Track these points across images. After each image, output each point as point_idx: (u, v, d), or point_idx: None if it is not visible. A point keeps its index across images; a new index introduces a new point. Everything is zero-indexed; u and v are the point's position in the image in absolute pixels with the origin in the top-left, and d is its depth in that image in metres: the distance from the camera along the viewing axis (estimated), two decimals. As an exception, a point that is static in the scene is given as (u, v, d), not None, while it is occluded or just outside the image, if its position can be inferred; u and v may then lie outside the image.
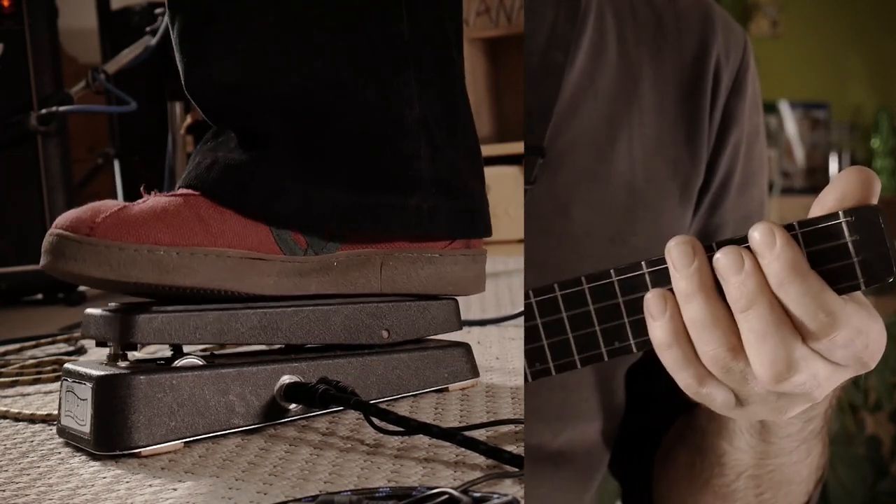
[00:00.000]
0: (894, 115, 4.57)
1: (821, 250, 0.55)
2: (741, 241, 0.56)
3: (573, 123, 0.83)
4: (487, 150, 2.56)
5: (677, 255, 0.57)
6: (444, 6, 0.96)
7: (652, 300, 0.57)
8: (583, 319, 0.60)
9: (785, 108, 4.49)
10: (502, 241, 2.21)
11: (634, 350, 0.60)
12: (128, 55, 2.06)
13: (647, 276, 0.58)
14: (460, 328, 0.99)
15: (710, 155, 0.88)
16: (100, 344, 0.86)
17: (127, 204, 0.86)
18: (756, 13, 4.31)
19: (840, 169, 4.56)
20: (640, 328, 0.59)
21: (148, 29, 2.08)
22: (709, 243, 0.57)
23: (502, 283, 1.70)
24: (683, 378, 0.58)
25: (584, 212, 0.82)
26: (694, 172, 0.87)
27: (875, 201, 0.55)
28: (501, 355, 1.14)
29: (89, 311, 0.86)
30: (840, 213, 0.54)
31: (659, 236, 0.85)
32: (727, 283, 0.56)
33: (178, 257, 0.84)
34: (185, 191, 0.89)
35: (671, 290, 0.58)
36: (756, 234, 0.55)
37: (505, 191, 2.32)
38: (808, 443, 0.76)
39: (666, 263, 0.57)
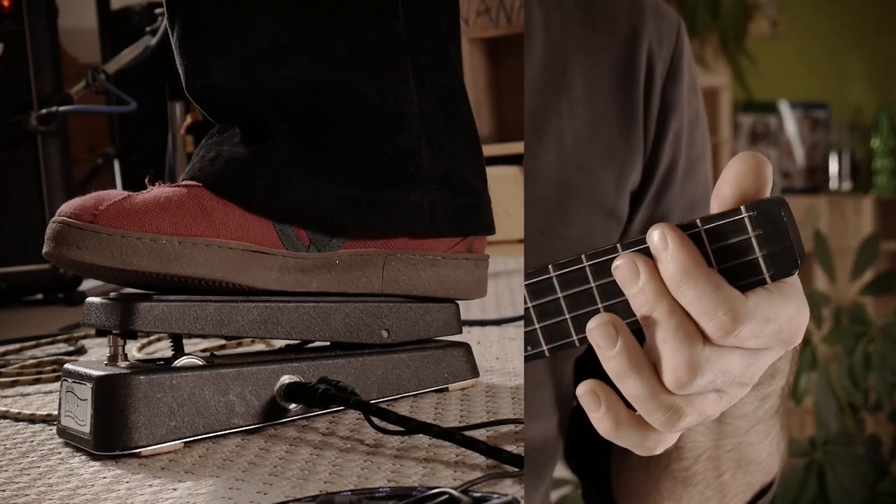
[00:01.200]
0: (894, 115, 4.57)
1: (725, 247, 0.54)
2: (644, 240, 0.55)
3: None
4: (487, 150, 2.56)
5: (599, 336, 0.56)
6: (440, 3, 0.96)
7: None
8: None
9: (785, 108, 4.49)
10: (502, 241, 2.21)
11: (577, 345, 0.58)
12: (128, 55, 2.06)
13: (587, 270, 0.57)
14: (460, 332, 0.99)
15: (652, 144, 0.88)
16: (100, 332, 0.86)
17: (131, 193, 0.87)
18: (756, 13, 4.31)
19: (840, 169, 4.56)
20: (583, 323, 0.57)
21: (148, 29, 2.08)
22: (630, 240, 0.56)
23: (502, 283, 1.70)
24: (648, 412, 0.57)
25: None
26: (629, 159, 0.87)
27: (769, 186, 0.54)
28: (501, 355, 1.14)
29: (90, 299, 0.86)
30: (742, 207, 0.53)
31: (595, 227, 0.85)
32: (626, 293, 0.55)
33: (181, 247, 0.84)
34: (188, 182, 0.89)
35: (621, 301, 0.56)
36: (653, 237, 0.54)
37: (505, 191, 2.32)
38: (766, 422, 0.75)
39: (606, 255, 0.56)
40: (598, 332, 0.55)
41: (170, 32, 0.92)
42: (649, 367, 0.55)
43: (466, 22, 2.73)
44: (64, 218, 0.84)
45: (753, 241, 0.54)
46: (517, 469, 0.71)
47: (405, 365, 0.93)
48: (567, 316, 0.58)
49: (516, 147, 2.52)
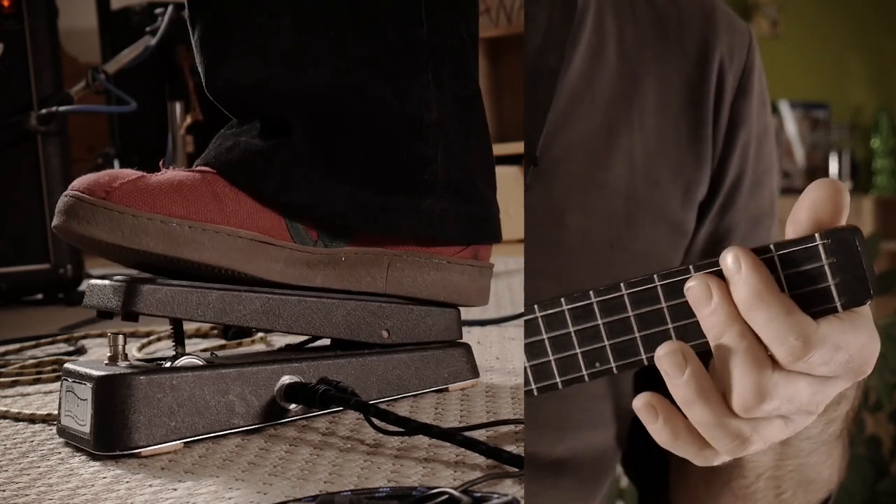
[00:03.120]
0: (894, 115, 4.57)
1: (797, 273, 0.54)
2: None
3: (568, 129, 0.82)
4: (487, 150, 2.56)
5: (668, 364, 0.56)
6: (461, 10, 0.96)
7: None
8: (592, 334, 0.59)
9: (785, 108, 4.49)
10: (502, 241, 2.21)
11: (646, 363, 0.59)
12: (128, 55, 2.06)
13: (659, 290, 0.57)
14: (460, 337, 0.99)
15: (720, 157, 0.87)
16: (102, 313, 0.85)
17: (145, 174, 0.87)
18: (756, 13, 4.31)
19: (840, 169, 4.56)
20: (653, 342, 0.58)
21: (148, 29, 2.08)
22: (703, 262, 0.56)
23: (502, 283, 1.70)
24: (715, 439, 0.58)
25: (579, 219, 0.82)
26: (697, 174, 0.86)
27: (845, 213, 0.55)
28: (501, 355, 1.14)
29: (93, 281, 0.86)
30: (817, 235, 0.54)
31: (661, 240, 0.84)
32: (698, 314, 0.56)
33: (191, 231, 0.84)
34: (203, 168, 0.89)
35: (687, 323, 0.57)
36: (727, 260, 0.55)
37: (505, 191, 2.31)
38: (829, 444, 0.76)
39: (678, 276, 0.57)
40: (667, 359, 0.56)
41: (190, 31, 0.93)
42: (717, 395, 0.56)
43: (466, 22, 2.73)
44: (77, 192, 0.84)
45: (826, 268, 0.54)
46: (517, 469, 0.71)
47: (405, 365, 0.93)
48: (637, 335, 0.58)
49: (516, 147, 2.52)
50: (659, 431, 0.58)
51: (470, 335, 1.24)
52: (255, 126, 0.92)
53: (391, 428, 0.79)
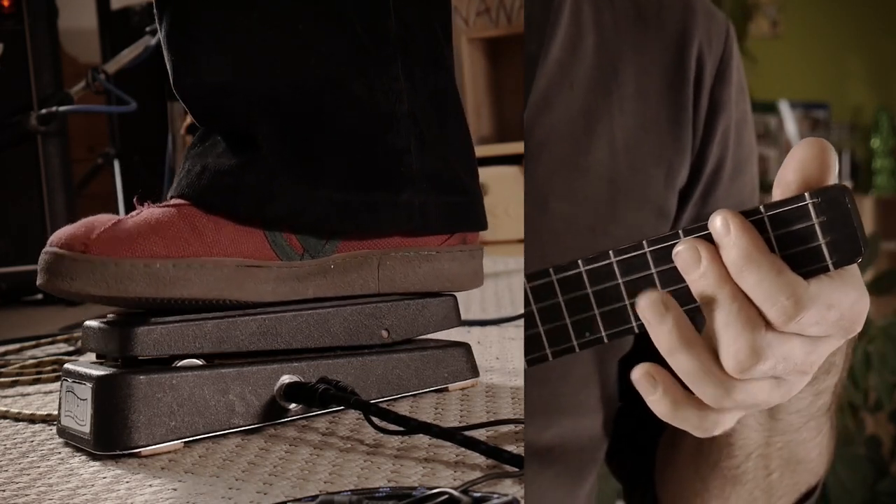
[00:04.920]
0: (894, 115, 4.57)
1: (788, 233, 0.54)
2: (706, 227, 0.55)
3: (549, 114, 0.82)
4: (487, 150, 2.57)
5: (649, 311, 0.56)
6: (434, 3, 0.96)
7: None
8: (582, 303, 0.58)
9: (785, 108, 4.49)
10: (502, 241, 2.21)
11: (636, 331, 0.58)
12: (128, 55, 2.06)
13: (648, 256, 0.57)
14: (460, 324, 0.99)
15: (700, 143, 0.87)
16: (100, 357, 0.86)
17: (121, 218, 0.86)
18: (756, 13, 4.31)
19: (840, 169, 4.56)
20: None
21: (148, 29, 2.08)
22: (692, 226, 0.56)
23: (502, 283, 1.70)
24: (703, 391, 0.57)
25: (562, 204, 0.82)
26: (678, 159, 0.87)
27: (834, 173, 0.54)
28: (501, 355, 1.14)
29: (88, 323, 0.86)
30: (806, 194, 0.53)
31: (644, 224, 0.85)
32: (688, 278, 0.55)
33: (175, 270, 0.84)
34: (177, 201, 0.88)
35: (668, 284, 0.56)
36: (716, 223, 0.54)
37: (505, 191, 2.32)
38: (818, 419, 0.75)
39: (667, 241, 0.56)
40: (649, 306, 0.56)
41: (159, 28, 0.92)
42: (700, 343, 0.56)
43: (466, 22, 2.73)
44: (55, 249, 0.83)
45: (817, 227, 0.53)
46: (517, 469, 0.71)
47: (405, 365, 0.93)
48: (627, 302, 0.58)
49: (516, 147, 2.52)
50: (658, 402, 0.57)
51: (470, 335, 1.24)
52: (218, 142, 0.91)
53: (391, 427, 0.79)
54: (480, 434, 0.78)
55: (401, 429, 0.78)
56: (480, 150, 1.03)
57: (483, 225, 1.00)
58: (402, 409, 0.91)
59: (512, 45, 2.76)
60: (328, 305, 0.91)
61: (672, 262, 0.56)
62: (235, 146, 0.90)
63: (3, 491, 0.75)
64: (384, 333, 0.94)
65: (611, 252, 0.57)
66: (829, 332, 0.55)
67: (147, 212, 0.87)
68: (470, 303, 1.49)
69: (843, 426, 2.59)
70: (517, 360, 1.11)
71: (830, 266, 0.54)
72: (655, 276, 0.57)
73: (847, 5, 4.58)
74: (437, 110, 0.95)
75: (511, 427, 0.82)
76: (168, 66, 0.91)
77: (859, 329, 0.56)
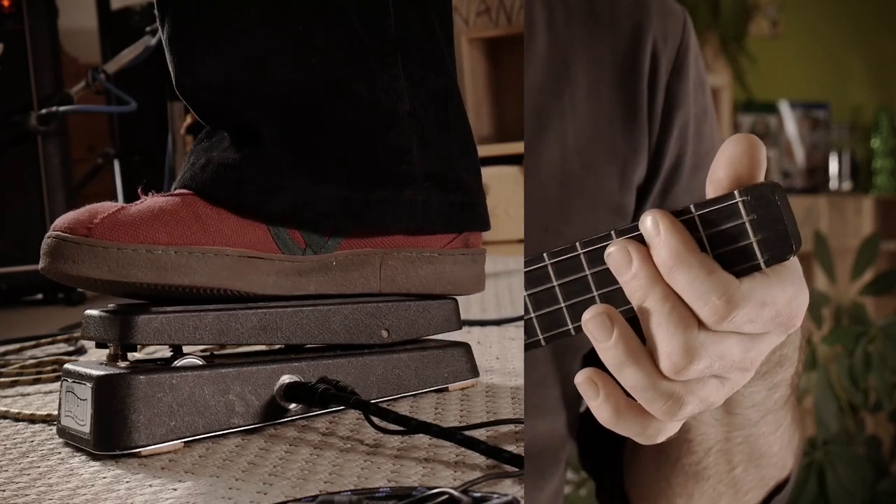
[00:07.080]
0: (894, 115, 4.57)
1: (719, 232, 0.54)
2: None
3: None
4: (487, 150, 2.56)
5: (594, 328, 0.55)
6: (433, 1, 0.96)
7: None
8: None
9: (785, 108, 4.49)
10: (502, 241, 2.21)
11: (573, 333, 0.57)
12: (128, 55, 2.06)
13: (582, 258, 0.56)
14: (460, 328, 0.99)
15: (657, 139, 0.87)
16: (100, 345, 0.86)
17: (124, 205, 0.86)
18: (756, 13, 4.31)
19: (840, 170, 4.56)
20: (579, 312, 0.56)
21: (148, 29, 2.09)
22: (624, 227, 0.56)
23: (502, 283, 1.70)
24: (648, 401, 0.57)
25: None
26: (633, 157, 0.86)
27: (763, 168, 0.54)
28: (501, 355, 1.14)
29: (89, 312, 0.86)
30: (736, 192, 0.53)
31: (599, 224, 0.84)
32: (620, 280, 0.55)
33: (177, 256, 0.84)
34: (181, 191, 0.89)
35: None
36: (646, 223, 0.54)
37: (505, 191, 2.32)
38: (776, 413, 0.75)
39: (600, 243, 0.56)
40: (594, 323, 0.55)
41: (160, 30, 0.92)
42: (647, 357, 0.55)
43: (466, 22, 2.73)
44: (59, 233, 0.84)
45: (747, 226, 0.53)
46: (517, 469, 0.71)
47: (405, 365, 0.93)
48: (562, 305, 0.57)
49: (516, 147, 2.52)
50: (600, 408, 0.56)
51: (470, 335, 1.24)
52: (224, 137, 0.92)
53: (391, 427, 0.79)
54: (480, 434, 0.78)
55: (401, 429, 0.78)
56: (481, 150, 1.03)
57: (486, 225, 1.00)
58: (402, 409, 0.91)
59: (512, 45, 2.77)
60: (329, 303, 0.91)
61: (606, 263, 0.56)
62: (240, 141, 0.91)
63: (3, 491, 0.75)
64: (384, 333, 0.94)
65: (545, 255, 0.57)
66: (766, 329, 0.55)
67: (151, 200, 0.88)
68: (470, 303, 1.49)
69: (842, 426, 2.59)
70: (517, 360, 1.11)
71: (762, 264, 0.53)
72: (590, 277, 0.56)
73: (847, 5, 4.58)
74: (439, 110, 0.95)
75: (511, 427, 0.82)
76: (170, 67, 0.91)
77: (798, 324, 0.56)
